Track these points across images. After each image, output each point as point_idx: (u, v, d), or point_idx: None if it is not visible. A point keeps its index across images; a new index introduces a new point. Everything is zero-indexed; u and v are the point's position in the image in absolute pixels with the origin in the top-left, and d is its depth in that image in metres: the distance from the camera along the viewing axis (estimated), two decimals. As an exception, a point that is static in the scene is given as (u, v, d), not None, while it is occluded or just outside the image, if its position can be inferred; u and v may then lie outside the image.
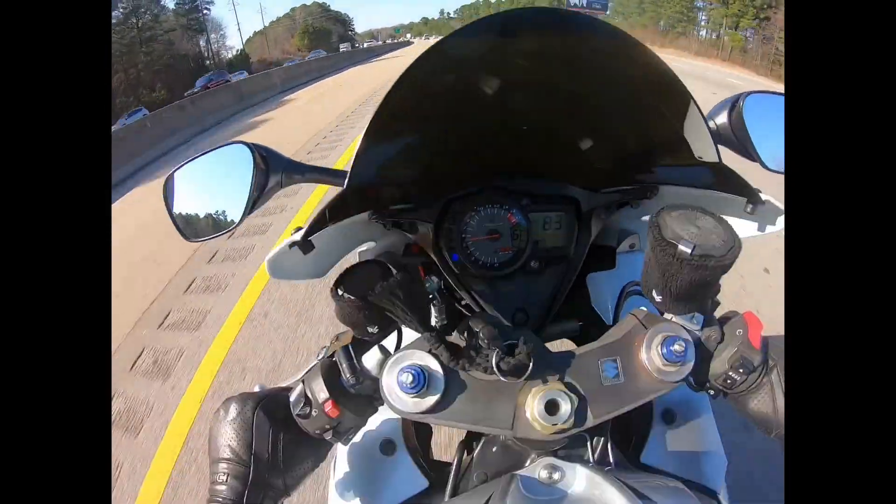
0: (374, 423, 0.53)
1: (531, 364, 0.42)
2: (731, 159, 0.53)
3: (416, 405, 0.43)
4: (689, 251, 0.38)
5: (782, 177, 0.42)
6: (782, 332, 0.46)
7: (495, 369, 0.42)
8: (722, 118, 0.62)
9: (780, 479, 0.34)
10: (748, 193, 0.50)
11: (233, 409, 0.48)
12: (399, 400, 0.43)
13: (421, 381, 0.42)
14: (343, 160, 5.37)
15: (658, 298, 0.43)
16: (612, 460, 0.51)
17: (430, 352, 0.44)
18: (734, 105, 0.62)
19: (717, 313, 0.50)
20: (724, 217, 0.41)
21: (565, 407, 0.42)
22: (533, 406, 0.42)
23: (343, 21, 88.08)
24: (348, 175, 0.45)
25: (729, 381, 0.46)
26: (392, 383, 0.43)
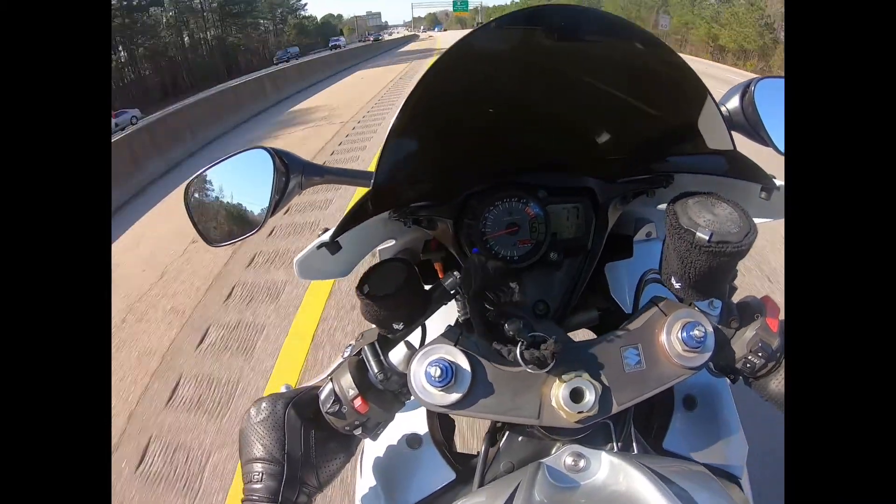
0: (398, 418, 0.54)
1: (556, 355, 0.43)
2: (746, 145, 0.53)
3: (443, 398, 0.44)
4: (706, 238, 0.39)
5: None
6: None
7: (521, 361, 0.43)
8: (734, 103, 0.63)
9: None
10: (762, 179, 0.51)
11: (264, 409, 0.49)
12: (427, 393, 0.44)
13: (448, 375, 0.43)
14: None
15: (677, 285, 0.44)
16: (635, 447, 0.52)
17: (456, 345, 0.45)
18: (745, 90, 0.62)
19: (735, 298, 0.50)
20: (740, 204, 0.42)
21: (590, 395, 0.43)
22: (558, 395, 0.43)
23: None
24: (374, 176, 0.45)
25: (748, 366, 0.46)
26: (420, 377, 0.44)
